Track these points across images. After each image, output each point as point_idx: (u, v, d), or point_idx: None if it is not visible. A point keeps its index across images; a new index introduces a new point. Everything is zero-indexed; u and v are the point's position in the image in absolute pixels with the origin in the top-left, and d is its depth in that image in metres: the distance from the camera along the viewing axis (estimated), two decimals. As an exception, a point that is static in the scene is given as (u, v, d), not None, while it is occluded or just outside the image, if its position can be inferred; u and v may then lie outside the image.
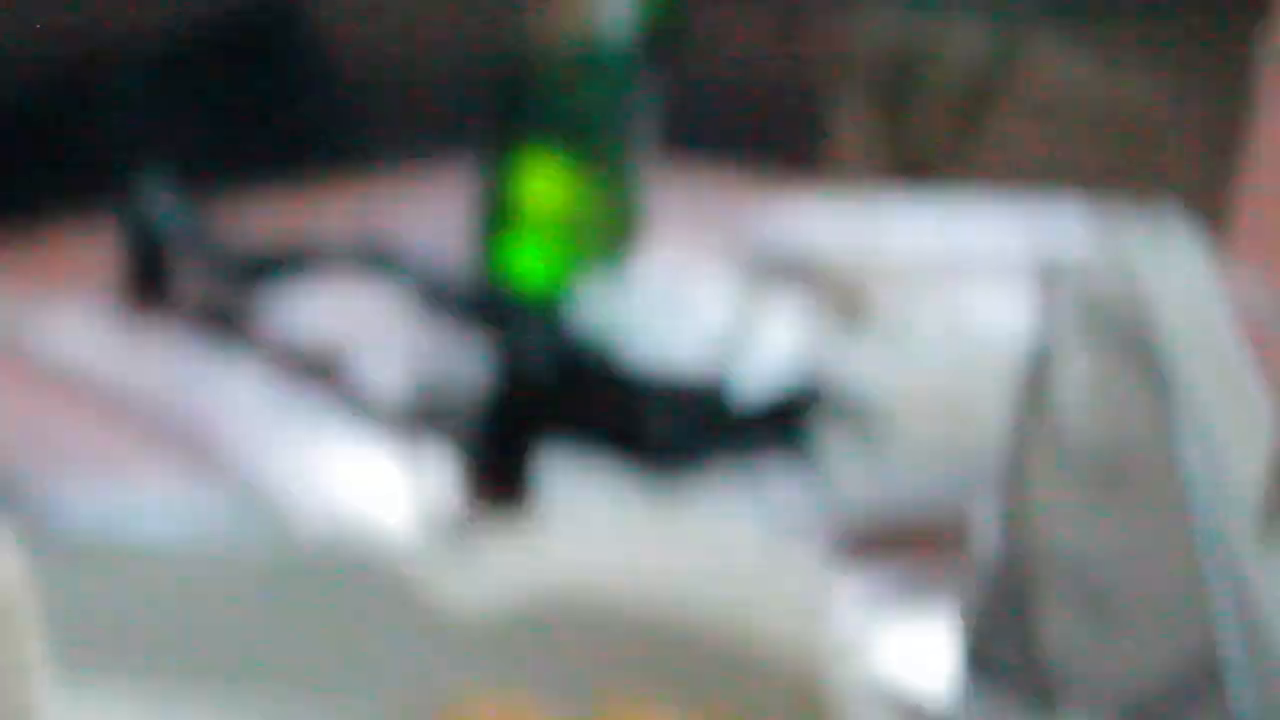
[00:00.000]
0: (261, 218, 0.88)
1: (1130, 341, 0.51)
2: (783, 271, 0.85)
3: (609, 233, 0.81)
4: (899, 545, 0.69)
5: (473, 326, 0.74)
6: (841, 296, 0.82)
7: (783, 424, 0.71)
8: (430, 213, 0.89)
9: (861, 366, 0.75)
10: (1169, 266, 0.52)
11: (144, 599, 0.49)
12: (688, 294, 0.81)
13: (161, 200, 0.82)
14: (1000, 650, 0.57)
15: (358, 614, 0.50)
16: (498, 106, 0.79)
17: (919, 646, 0.61)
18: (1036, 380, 0.55)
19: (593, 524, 0.55)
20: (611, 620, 0.52)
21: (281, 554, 0.51)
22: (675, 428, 0.67)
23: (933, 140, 1.73)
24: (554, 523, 0.55)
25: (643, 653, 0.52)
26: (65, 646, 0.44)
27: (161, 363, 0.76)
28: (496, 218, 0.80)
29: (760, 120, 1.55)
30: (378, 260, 0.79)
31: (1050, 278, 0.56)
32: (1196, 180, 1.39)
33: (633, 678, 0.51)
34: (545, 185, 0.81)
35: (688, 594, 0.52)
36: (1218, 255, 0.55)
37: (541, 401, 0.67)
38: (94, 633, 0.49)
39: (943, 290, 0.83)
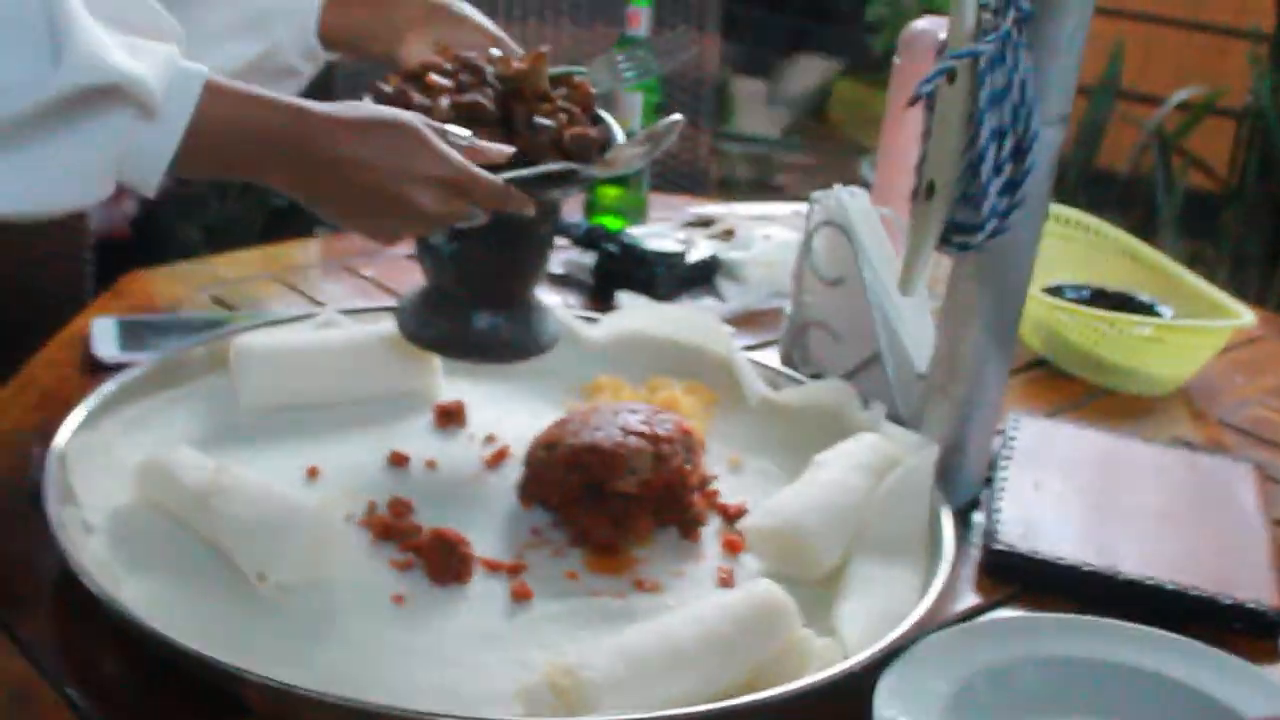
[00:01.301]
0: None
1: (841, 227, 1.31)
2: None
3: (635, 206, 1.61)
4: (749, 323, 1.49)
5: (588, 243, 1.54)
6: (725, 229, 1.63)
7: (704, 276, 1.51)
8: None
9: (733, 254, 1.56)
10: (854, 199, 1.31)
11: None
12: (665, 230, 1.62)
13: None
14: (790, 352, 1.36)
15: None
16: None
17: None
18: (806, 244, 1.34)
19: (641, 309, 1.34)
20: (653, 344, 1.32)
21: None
22: (666, 280, 1.48)
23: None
24: (626, 309, 1.34)
25: (666, 359, 1.31)
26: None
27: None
28: (593, 203, 1.61)
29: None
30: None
31: (811, 207, 1.34)
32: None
33: (666, 369, 1.30)
34: (611, 191, 1.59)
35: (683, 332, 1.32)
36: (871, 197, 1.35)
37: (617, 271, 1.47)
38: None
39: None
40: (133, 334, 1.32)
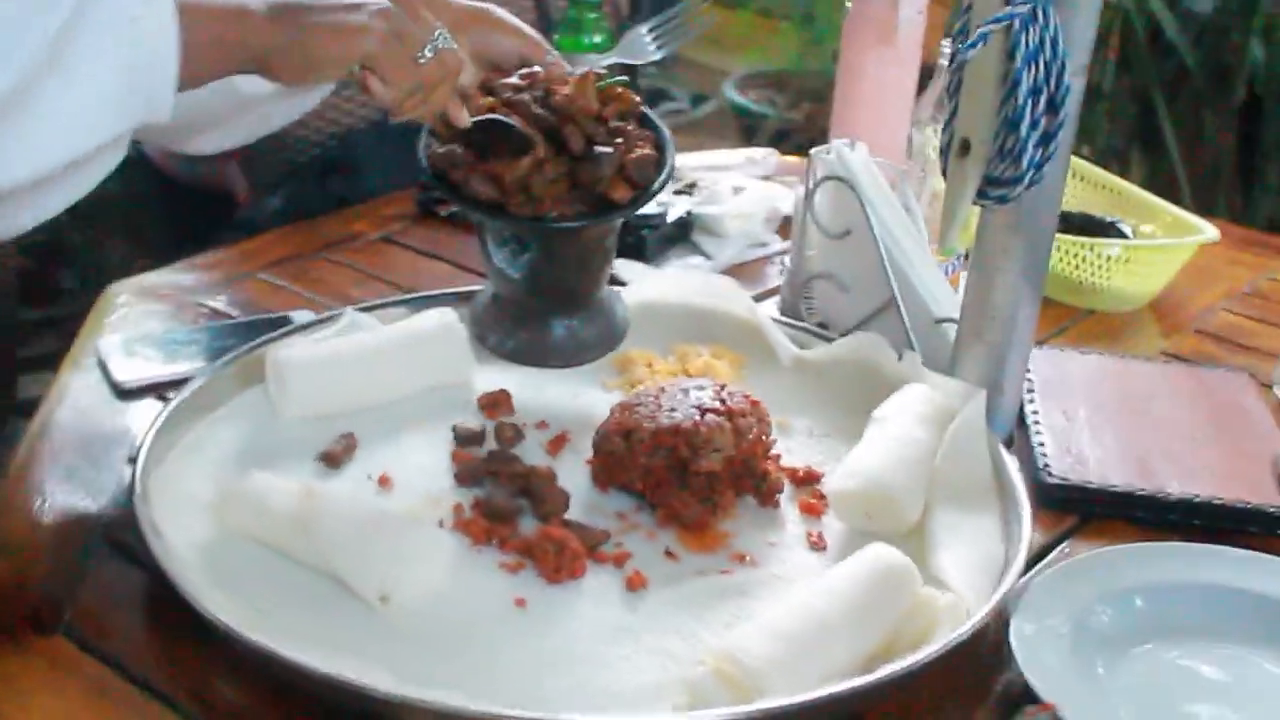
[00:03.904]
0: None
1: (844, 181, 1.34)
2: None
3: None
4: (734, 277, 1.51)
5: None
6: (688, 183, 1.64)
7: (683, 234, 1.53)
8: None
9: (707, 209, 1.58)
10: (854, 152, 1.34)
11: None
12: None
13: None
14: (795, 304, 1.40)
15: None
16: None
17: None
18: (808, 199, 1.37)
19: (654, 279, 1.36)
20: (672, 312, 1.34)
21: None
22: (652, 242, 1.49)
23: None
24: (638, 281, 1.35)
25: (687, 325, 1.33)
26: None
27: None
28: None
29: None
30: None
31: (811, 163, 1.37)
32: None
33: (687, 337, 1.32)
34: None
35: (699, 297, 1.34)
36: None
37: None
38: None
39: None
40: (144, 353, 1.29)
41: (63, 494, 1.11)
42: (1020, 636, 0.95)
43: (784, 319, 1.35)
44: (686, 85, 3.47)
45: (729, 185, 1.63)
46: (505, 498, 1.08)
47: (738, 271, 1.53)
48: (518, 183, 1.12)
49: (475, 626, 0.97)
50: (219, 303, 1.42)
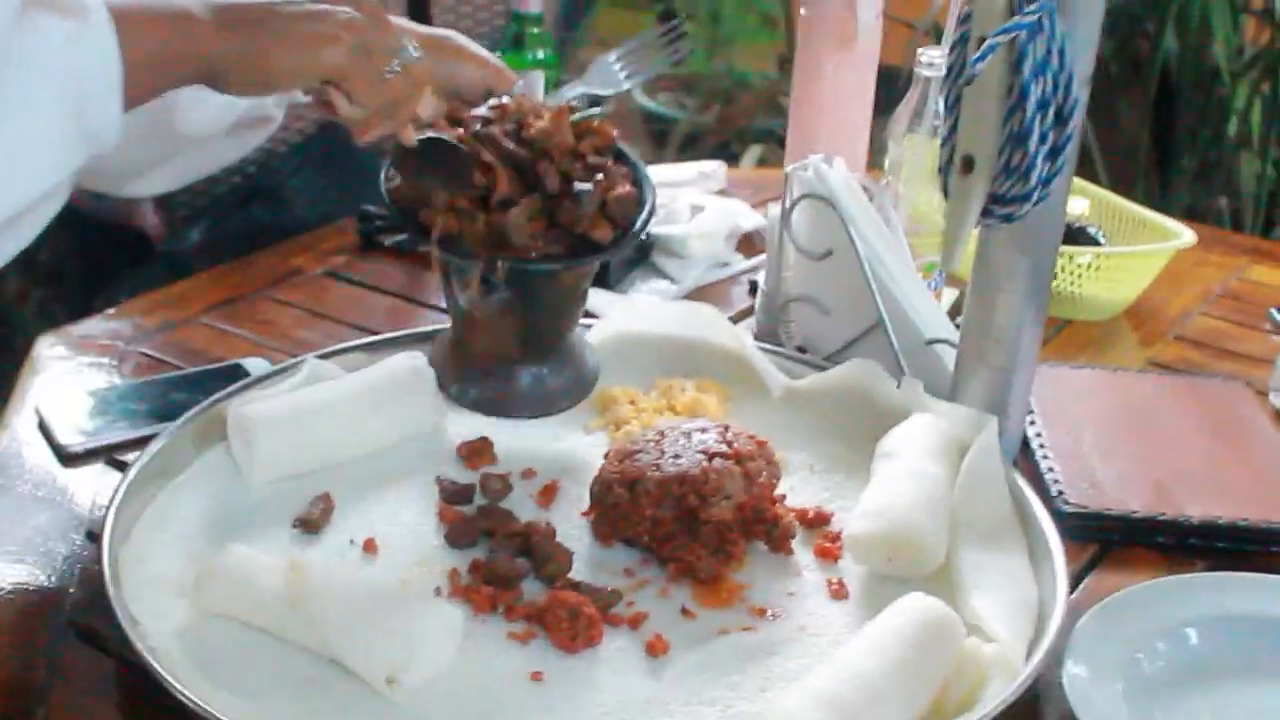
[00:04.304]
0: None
1: (824, 199, 1.28)
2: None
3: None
4: (699, 299, 1.45)
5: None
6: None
7: (644, 255, 1.46)
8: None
9: (666, 229, 1.51)
10: (833, 170, 1.29)
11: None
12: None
13: None
14: (772, 329, 1.34)
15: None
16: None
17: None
18: (784, 219, 1.31)
19: (627, 309, 1.28)
20: (649, 344, 1.26)
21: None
22: (616, 267, 1.42)
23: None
24: (612, 313, 1.27)
25: (666, 358, 1.26)
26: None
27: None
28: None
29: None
30: None
31: (788, 181, 1.30)
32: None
33: (668, 370, 1.25)
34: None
35: (677, 327, 1.27)
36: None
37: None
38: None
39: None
40: (87, 412, 1.19)
41: (14, 574, 1.01)
42: (1073, 683, 0.90)
43: (766, 345, 1.28)
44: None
45: (686, 203, 1.56)
46: (506, 559, 1.01)
47: (704, 294, 1.46)
48: (493, 227, 1.04)
49: (492, 706, 0.90)
50: (160, 351, 1.32)
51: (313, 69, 0.98)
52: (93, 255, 1.83)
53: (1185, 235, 1.45)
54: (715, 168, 1.71)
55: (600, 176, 1.07)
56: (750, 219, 1.58)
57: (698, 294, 1.46)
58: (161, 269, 1.70)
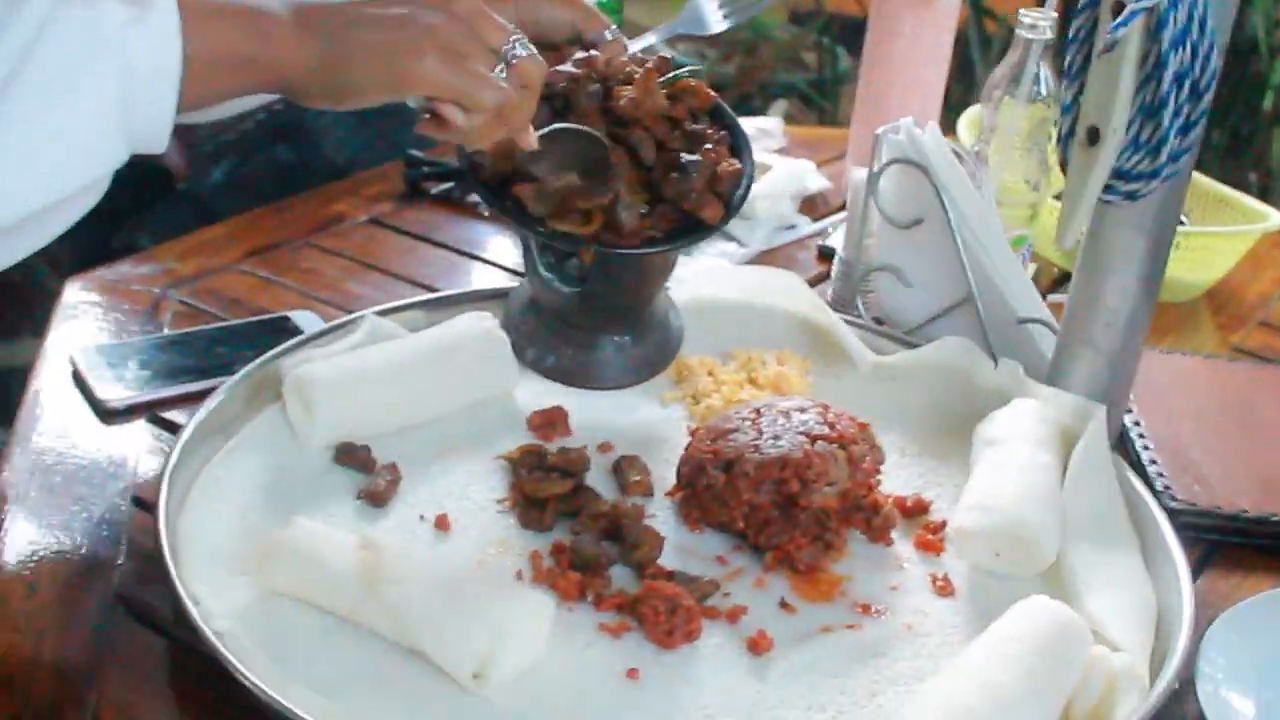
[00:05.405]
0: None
1: (916, 164, 1.20)
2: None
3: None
4: (767, 264, 1.37)
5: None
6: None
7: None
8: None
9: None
10: (927, 133, 1.21)
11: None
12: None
13: None
14: (849, 298, 1.26)
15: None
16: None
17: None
18: (872, 184, 1.23)
19: (704, 274, 1.21)
20: (724, 311, 1.19)
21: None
22: None
23: None
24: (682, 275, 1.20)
25: (742, 326, 1.19)
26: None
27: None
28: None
29: None
30: None
31: (877, 144, 1.23)
32: None
33: (746, 339, 1.18)
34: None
35: (754, 294, 1.20)
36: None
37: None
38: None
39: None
40: (127, 365, 1.11)
41: (55, 541, 0.94)
42: (1209, 700, 0.84)
43: (847, 317, 1.21)
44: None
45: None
46: (592, 543, 0.94)
47: (770, 258, 1.39)
48: (601, 214, 0.97)
49: (586, 705, 0.83)
50: (199, 300, 1.23)
51: (398, 84, 0.87)
52: (110, 191, 1.73)
53: (1273, 218, 1.38)
54: (775, 124, 1.63)
55: (709, 147, 0.99)
56: (816, 180, 1.50)
57: (764, 258, 1.39)
58: (183, 210, 1.61)
